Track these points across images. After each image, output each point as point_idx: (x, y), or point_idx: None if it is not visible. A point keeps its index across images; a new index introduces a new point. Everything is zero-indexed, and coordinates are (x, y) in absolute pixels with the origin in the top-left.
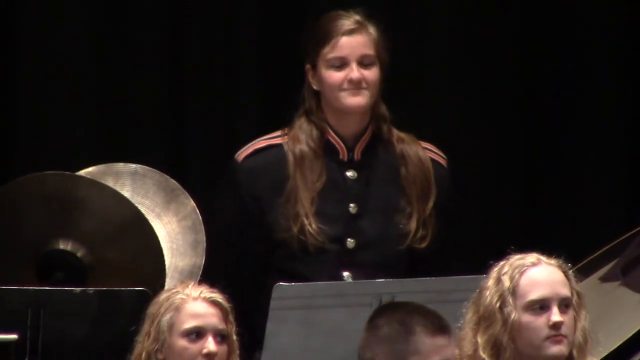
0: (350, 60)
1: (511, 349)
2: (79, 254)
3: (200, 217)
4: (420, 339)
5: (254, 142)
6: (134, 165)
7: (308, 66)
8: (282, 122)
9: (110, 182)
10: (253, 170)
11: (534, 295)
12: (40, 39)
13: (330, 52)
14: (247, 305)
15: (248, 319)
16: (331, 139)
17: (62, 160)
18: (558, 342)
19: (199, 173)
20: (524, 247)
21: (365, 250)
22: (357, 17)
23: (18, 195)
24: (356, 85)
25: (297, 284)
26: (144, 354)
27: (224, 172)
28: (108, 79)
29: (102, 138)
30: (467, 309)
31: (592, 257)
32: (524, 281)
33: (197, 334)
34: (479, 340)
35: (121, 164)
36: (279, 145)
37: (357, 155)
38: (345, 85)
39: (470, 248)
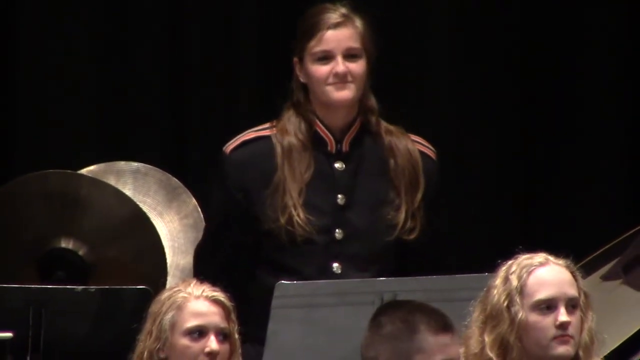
0: (335, 54)
1: (518, 348)
2: (80, 253)
3: (202, 216)
4: (424, 337)
5: (242, 134)
6: (135, 164)
7: (296, 59)
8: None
9: (111, 181)
10: (241, 162)
11: (542, 295)
12: (40, 39)
13: (316, 46)
14: (237, 297)
15: (238, 312)
16: (319, 130)
17: (62, 160)
18: (565, 342)
19: (198, 173)
20: (524, 247)
21: (353, 241)
22: (343, 10)
23: (20, 193)
24: (342, 79)
25: (298, 282)
26: (145, 352)
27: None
28: (108, 79)
29: (102, 138)
30: (474, 307)
31: (593, 255)
32: (531, 281)
33: (200, 332)
34: (486, 339)
35: (123, 163)
36: (267, 137)
37: (345, 147)
38: (331, 79)
39: (461, 242)
